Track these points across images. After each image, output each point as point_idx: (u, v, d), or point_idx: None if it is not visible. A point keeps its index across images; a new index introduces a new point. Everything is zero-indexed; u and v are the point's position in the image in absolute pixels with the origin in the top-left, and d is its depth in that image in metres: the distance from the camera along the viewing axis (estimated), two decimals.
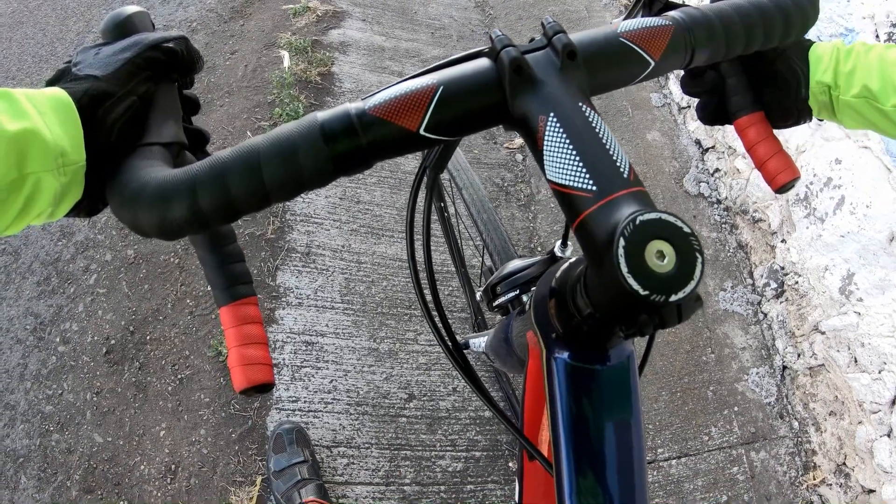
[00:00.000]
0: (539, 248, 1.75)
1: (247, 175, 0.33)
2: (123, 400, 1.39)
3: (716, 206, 1.86)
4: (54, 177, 0.32)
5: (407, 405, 1.41)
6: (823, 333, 1.41)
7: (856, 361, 1.31)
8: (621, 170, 0.34)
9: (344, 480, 1.29)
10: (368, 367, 1.45)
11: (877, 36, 1.24)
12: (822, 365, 1.43)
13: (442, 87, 0.36)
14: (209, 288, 1.53)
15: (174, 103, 0.41)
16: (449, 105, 0.36)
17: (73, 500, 1.26)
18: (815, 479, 1.40)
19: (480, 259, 1.07)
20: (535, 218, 1.82)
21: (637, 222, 0.30)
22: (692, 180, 1.91)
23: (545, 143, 0.35)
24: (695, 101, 0.60)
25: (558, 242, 0.67)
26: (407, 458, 1.34)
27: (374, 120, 0.35)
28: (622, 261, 0.30)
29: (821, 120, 0.53)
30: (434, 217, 1.36)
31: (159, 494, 1.27)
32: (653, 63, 0.40)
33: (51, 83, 0.36)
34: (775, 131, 0.56)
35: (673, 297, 0.30)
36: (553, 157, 0.35)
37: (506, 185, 1.89)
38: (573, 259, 0.46)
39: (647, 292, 0.29)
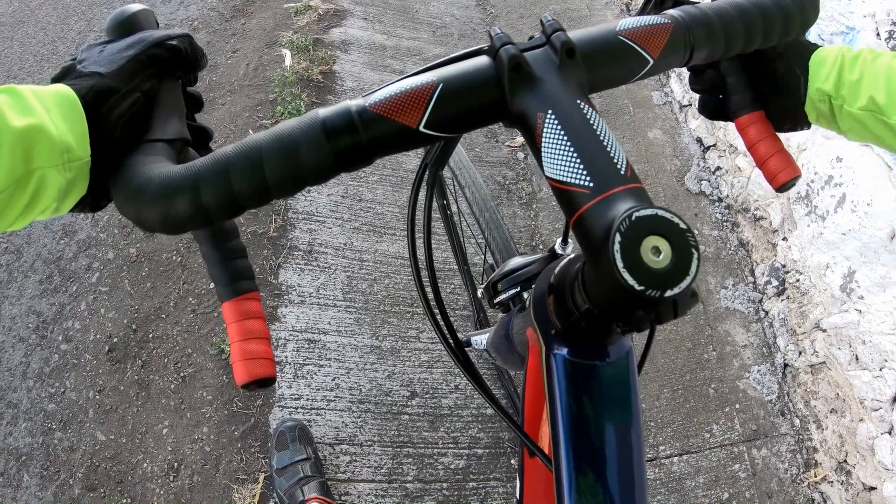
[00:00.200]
0: (541, 246, 1.75)
1: (249, 171, 0.33)
2: (126, 398, 1.39)
3: (717, 204, 1.86)
4: (59, 172, 0.32)
5: (409, 403, 1.41)
6: (824, 331, 1.41)
7: (857, 359, 1.31)
8: (618, 166, 0.34)
9: (346, 478, 1.30)
10: (371, 365, 1.45)
11: (877, 34, 1.24)
12: (824, 362, 1.43)
13: (441, 85, 0.36)
14: (211, 286, 1.54)
15: (178, 100, 0.41)
16: (448, 102, 0.36)
17: (76, 498, 1.27)
18: (816, 477, 1.40)
19: (483, 257, 1.07)
20: (537, 216, 1.83)
21: (633, 218, 0.30)
22: (693, 178, 1.91)
23: (543, 140, 0.36)
24: (696, 99, 0.60)
25: (559, 240, 0.67)
26: (409, 456, 1.34)
27: (374, 117, 0.35)
28: (618, 256, 0.30)
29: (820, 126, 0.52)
30: (437, 215, 1.36)
31: (162, 492, 1.27)
32: (651, 61, 0.40)
33: (56, 80, 0.36)
34: None
35: (668, 293, 0.30)
36: (551, 153, 0.35)
37: (507, 183, 1.89)
38: (572, 255, 0.46)
39: (642, 287, 0.30)
